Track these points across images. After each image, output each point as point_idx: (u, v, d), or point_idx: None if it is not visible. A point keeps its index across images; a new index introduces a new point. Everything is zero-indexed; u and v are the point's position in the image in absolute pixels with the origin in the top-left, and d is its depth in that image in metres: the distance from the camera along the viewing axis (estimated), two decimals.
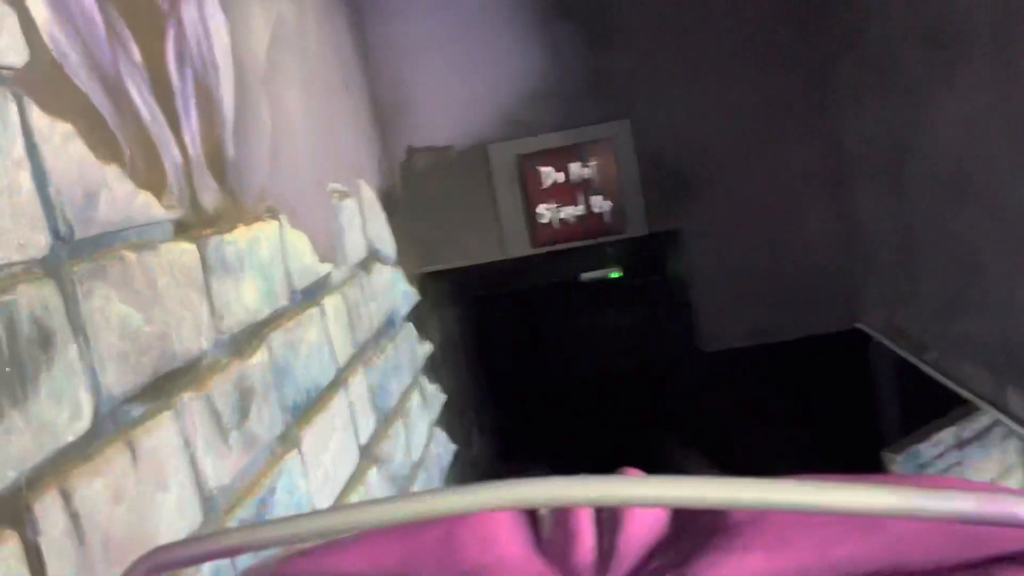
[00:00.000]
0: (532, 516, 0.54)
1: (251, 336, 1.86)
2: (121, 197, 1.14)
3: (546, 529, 0.53)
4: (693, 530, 0.49)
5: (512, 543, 0.52)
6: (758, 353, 4.68)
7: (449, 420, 3.92)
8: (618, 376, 6.99)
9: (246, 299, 1.86)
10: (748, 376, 6.20)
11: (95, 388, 1.01)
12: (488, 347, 5.59)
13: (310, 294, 2.28)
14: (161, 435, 1.19)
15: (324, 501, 2.07)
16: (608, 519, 0.51)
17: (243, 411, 1.73)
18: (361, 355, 2.64)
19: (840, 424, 4.70)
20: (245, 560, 0.68)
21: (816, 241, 3.50)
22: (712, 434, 5.46)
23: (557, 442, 5.91)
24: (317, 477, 2.06)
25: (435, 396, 3.66)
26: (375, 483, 2.51)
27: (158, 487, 1.14)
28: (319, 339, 2.27)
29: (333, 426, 2.25)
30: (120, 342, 1.08)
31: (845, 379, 4.61)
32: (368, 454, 2.51)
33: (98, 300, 1.04)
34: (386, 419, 2.79)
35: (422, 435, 3.26)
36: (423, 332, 3.70)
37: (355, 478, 2.36)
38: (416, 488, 2.98)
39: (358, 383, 2.54)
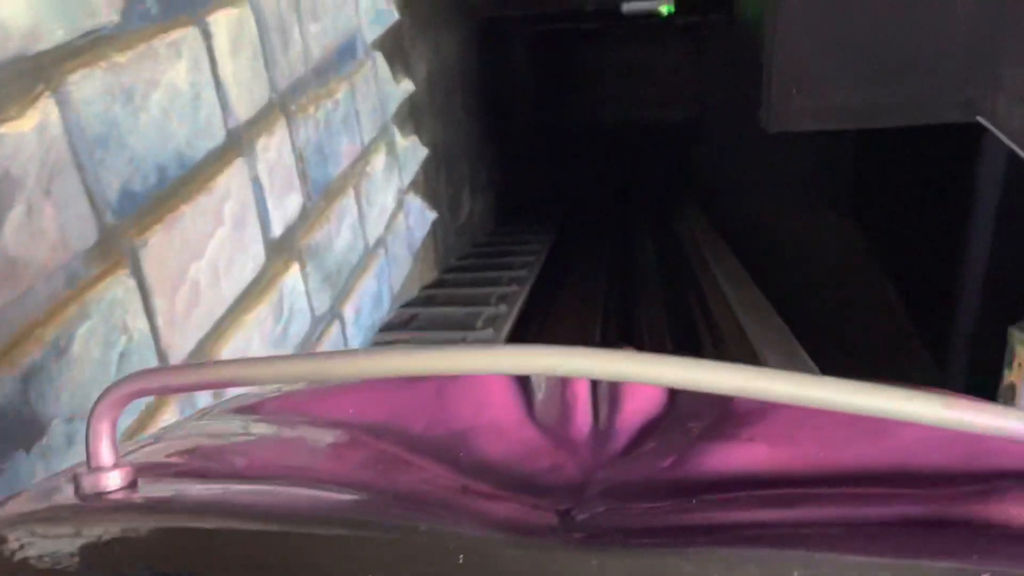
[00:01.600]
0: (527, 381, 0.53)
1: (16, 79, 1.04)
2: None
3: (541, 397, 0.52)
4: (694, 413, 0.49)
5: (505, 408, 0.51)
6: (838, 144, 3.79)
7: (430, 182, 3.14)
8: (652, 137, 6.07)
9: None
10: (817, 171, 5.20)
11: None
12: (497, 84, 4.63)
13: (178, 3, 1.39)
14: None
15: (190, 335, 1.39)
16: (605, 393, 0.50)
17: None
18: (284, 103, 1.80)
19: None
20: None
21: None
22: (746, 226, 4.72)
23: (567, 207, 5.19)
24: (178, 302, 1.35)
25: (411, 152, 2.84)
26: (295, 286, 1.81)
27: None
28: (193, 82, 1.42)
29: (216, 218, 1.49)
30: None
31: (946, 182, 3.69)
32: (285, 248, 1.78)
33: None
34: (325, 194, 2.02)
35: (386, 207, 2.51)
36: (401, 66, 2.78)
37: (260, 284, 1.65)
38: (367, 280, 2.30)
39: (274, 147, 1.73)
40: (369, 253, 2.34)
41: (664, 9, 3.99)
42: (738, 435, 0.45)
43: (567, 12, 4.59)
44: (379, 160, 2.46)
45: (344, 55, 2.19)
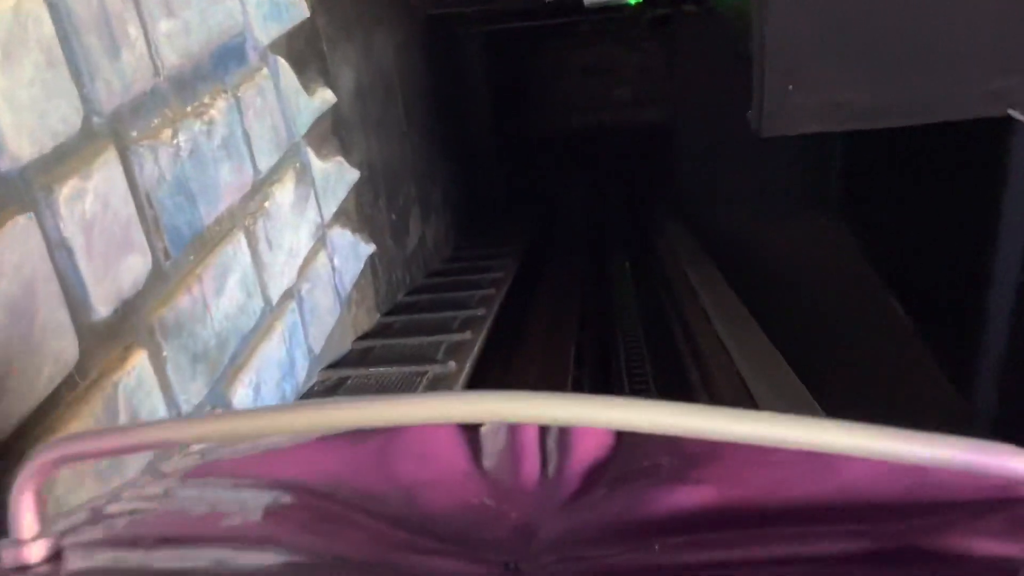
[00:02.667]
0: (474, 431, 0.52)
1: None
2: None
3: (488, 448, 0.51)
4: (643, 455, 0.49)
5: (451, 461, 0.51)
6: (825, 139, 3.38)
7: (365, 209, 2.65)
8: (624, 142, 5.61)
9: None
10: (803, 172, 4.71)
11: None
12: (448, 91, 4.13)
13: None
14: None
15: None
16: (554, 440, 0.50)
17: None
18: (114, 130, 1.30)
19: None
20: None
21: None
22: (729, 235, 4.26)
23: (533, 222, 4.70)
24: None
25: (335, 176, 2.35)
26: (141, 380, 1.31)
27: None
28: None
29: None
30: None
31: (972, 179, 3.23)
32: (121, 331, 1.28)
33: None
34: (194, 246, 1.52)
35: (297, 249, 2.01)
36: (316, 73, 2.29)
37: (73, 391, 1.15)
38: (268, 346, 1.80)
39: (93, 193, 1.23)
40: (272, 312, 1.84)
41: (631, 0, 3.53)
42: (688, 477, 0.46)
43: (523, 9, 4.12)
44: (285, 191, 1.96)
45: (223, 61, 1.69)
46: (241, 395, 1.65)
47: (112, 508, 0.46)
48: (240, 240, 1.71)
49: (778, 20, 2.23)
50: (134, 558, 0.38)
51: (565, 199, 5.38)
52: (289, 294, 1.95)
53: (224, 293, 1.62)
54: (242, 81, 1.77)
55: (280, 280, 1.90)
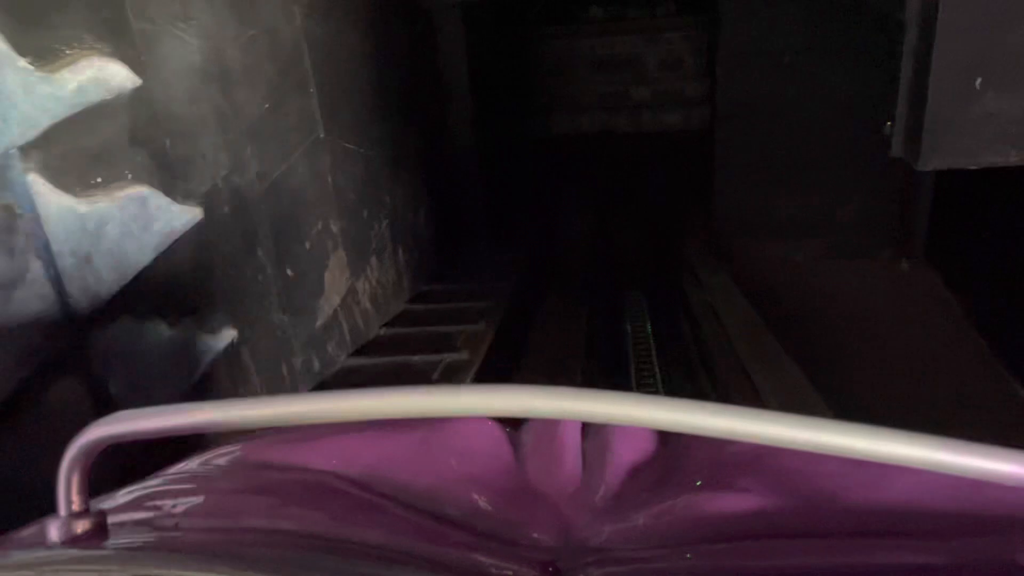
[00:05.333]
0: (515, 430, 0.52)
1: None
2: None
3: (530, 446, 0.51)
4: (685, 462, 0.48)
5: (492, 458, 0.51)
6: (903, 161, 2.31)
7: (218, 266, 1.56)
8: (644, 154, 4.53)
9: None
10: (872, 200, 3.68)
11: None
12: (408, 82, 3.04)
13: None
14: None
15: None
16: (596, 442, 0.50)
17: None
18: None
19: None
20: None
21: None
22: (783, 279, 3.16)
23: (525, 256, 3.59)
24: None
25: (124, 221, 1.26)
26: None
27: None
28: None
29: None
30: None
31: None
32: None
33: None
34: None
35: None
36: (78, 26, 1.20)
37: None
38: None
39: None
40: None
41: None
42: (732, 484, 0.45)
43: None
44: None
45: None
46: None
47: (154, 489, 0.46)
48: None
49: None
50: (174, 538, 0.39)
51: (567, 225, 4.26)
52: None
53: None
54: None
55: None
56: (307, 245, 2.04)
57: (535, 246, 3.63)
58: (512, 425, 0.52)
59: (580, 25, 4.90)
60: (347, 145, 2.35)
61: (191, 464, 0.52)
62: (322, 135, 2.17)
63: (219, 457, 0.52)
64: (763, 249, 3.56)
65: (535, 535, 0.44)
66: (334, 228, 2.23)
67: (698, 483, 0.45)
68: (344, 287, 2.30)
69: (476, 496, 0.47)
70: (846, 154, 3.36)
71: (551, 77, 4.87)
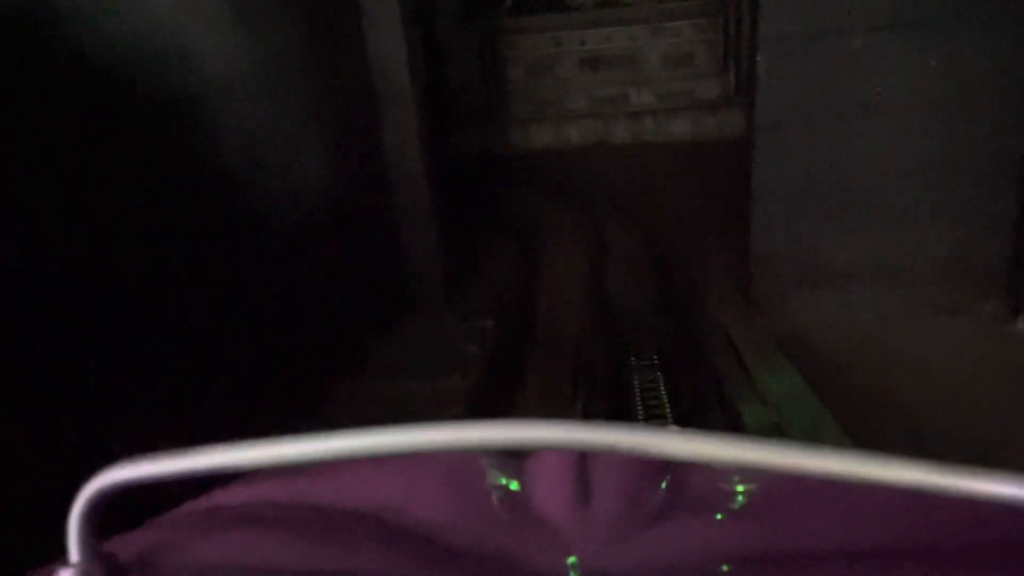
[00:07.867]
0: (509, 463, 0.52)
1: None
2: None
3: (526, 480, 0.51)
4: (690, 481, 0.49)
5: (487, 489, 0.51)
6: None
7: None
8: (647, 172, 3.66)
9: None
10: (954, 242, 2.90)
11: None
12: (319, 82, 2.11)
13: None
14: None
15: None
16: (593, 475, 0.49)
17: None
18: None
19: None
20: None
21: None
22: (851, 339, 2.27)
23: (489, 312, 2.67)
24: None
25: None
26: None
27: None
28: None
29: None
30: None
31: None
32: None
33: None
34: None
35: None
36: None
37: None
38: None
39: None
40: None
41: None
42: (734, 517, 0.46)
43: None
44: None
45: None
46: None
47: (168, 532, 0.48)
48: None
49: None
50: None
51: (551, 261, 3.34)
52: None
53: None
54: None
55: None
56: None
57: (507, 309, 2.70)
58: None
59: (566, 14, 4.07)
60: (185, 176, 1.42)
61: (204, 502, 0.52)
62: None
63: (232, 495, 0.52)
64: (817, 303, 2.66)
65: (533, 570, 0.43)
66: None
67: (700, 515, 0.44)
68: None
69: (469, 529, 0.47)
70: (935, 173, 2.49)
71: (531, 78, 4.04)
